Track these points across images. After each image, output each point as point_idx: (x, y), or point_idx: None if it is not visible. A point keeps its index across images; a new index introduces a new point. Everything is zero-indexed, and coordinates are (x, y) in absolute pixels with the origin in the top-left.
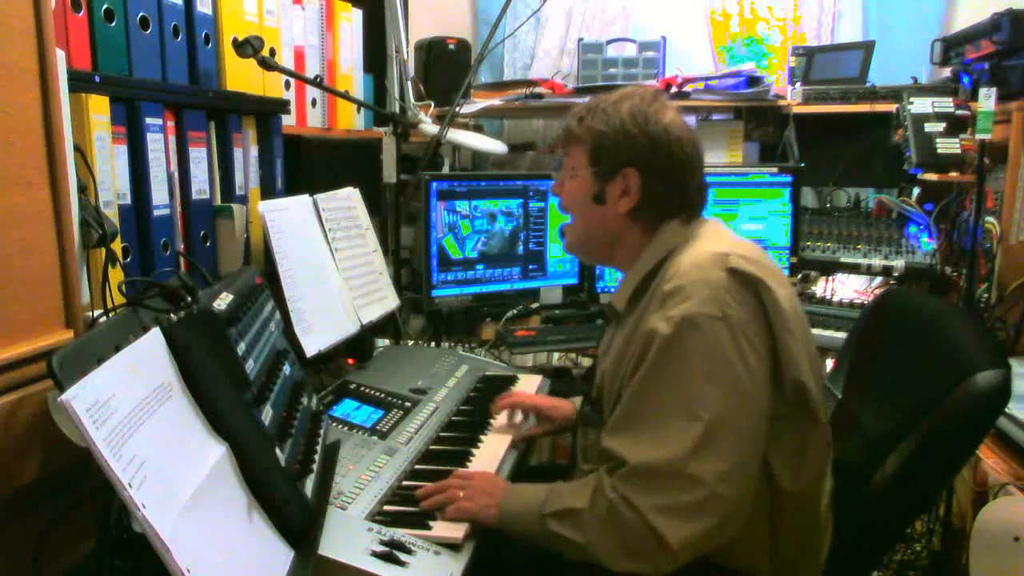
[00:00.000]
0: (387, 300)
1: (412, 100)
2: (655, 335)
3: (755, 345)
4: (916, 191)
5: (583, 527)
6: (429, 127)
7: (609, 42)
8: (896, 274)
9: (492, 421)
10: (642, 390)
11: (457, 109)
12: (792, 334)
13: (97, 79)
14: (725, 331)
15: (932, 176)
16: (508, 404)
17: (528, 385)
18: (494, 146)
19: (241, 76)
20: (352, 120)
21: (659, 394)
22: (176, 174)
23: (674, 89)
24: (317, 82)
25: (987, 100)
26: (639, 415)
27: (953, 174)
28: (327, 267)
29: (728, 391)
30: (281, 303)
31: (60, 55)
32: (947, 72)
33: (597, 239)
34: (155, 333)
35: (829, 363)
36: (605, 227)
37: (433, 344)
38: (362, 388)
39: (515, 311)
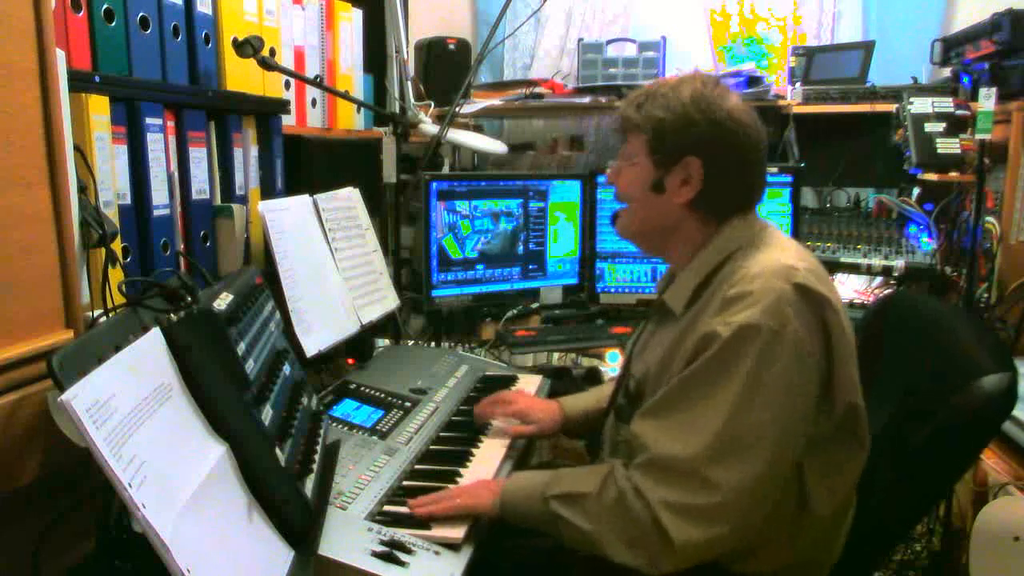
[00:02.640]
0: (387, 300)
1: (412, 100)
2: (714, 337)
3: (807, 364)
4: (916, 191)
5: (587, 512)
6: (429, 127)
7: (609, 42)
8: (896, 274)
9: (492, 422)
10: (684, 384)
11: (457, 109)
12: (853, 358)
13: (97, 79)
14: (780, 344)
15: (932, 176)
16: (489, 415)
17: (528, 385)
18: (494, 146)
19: (241, 76)
20: (352, 120)
21: (699, 391)
22: (176, 174)
23: None
24: (317, 82)
25: (987, 100)
26: (674, 406)
27: (953, 174)
28: (327, 267)
29: (768, 404)
30: (281, 303)
31: (60, 55)
32: (947, 72)
33: (653, 229)
34: (155, 333)
35: None
36: (663, 218)
37: (433, 344)
38: (362, 388)
39: (515, 311)
